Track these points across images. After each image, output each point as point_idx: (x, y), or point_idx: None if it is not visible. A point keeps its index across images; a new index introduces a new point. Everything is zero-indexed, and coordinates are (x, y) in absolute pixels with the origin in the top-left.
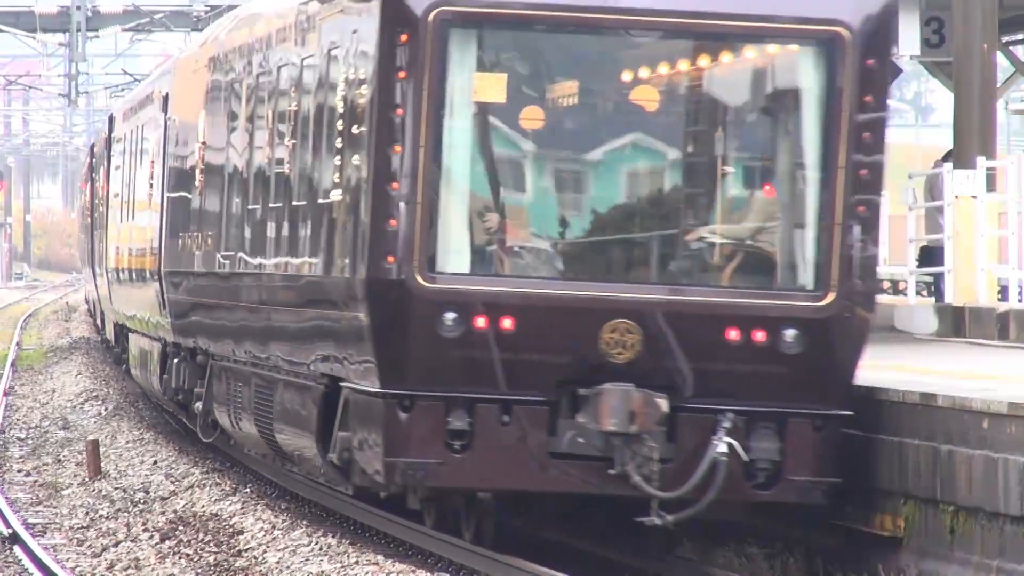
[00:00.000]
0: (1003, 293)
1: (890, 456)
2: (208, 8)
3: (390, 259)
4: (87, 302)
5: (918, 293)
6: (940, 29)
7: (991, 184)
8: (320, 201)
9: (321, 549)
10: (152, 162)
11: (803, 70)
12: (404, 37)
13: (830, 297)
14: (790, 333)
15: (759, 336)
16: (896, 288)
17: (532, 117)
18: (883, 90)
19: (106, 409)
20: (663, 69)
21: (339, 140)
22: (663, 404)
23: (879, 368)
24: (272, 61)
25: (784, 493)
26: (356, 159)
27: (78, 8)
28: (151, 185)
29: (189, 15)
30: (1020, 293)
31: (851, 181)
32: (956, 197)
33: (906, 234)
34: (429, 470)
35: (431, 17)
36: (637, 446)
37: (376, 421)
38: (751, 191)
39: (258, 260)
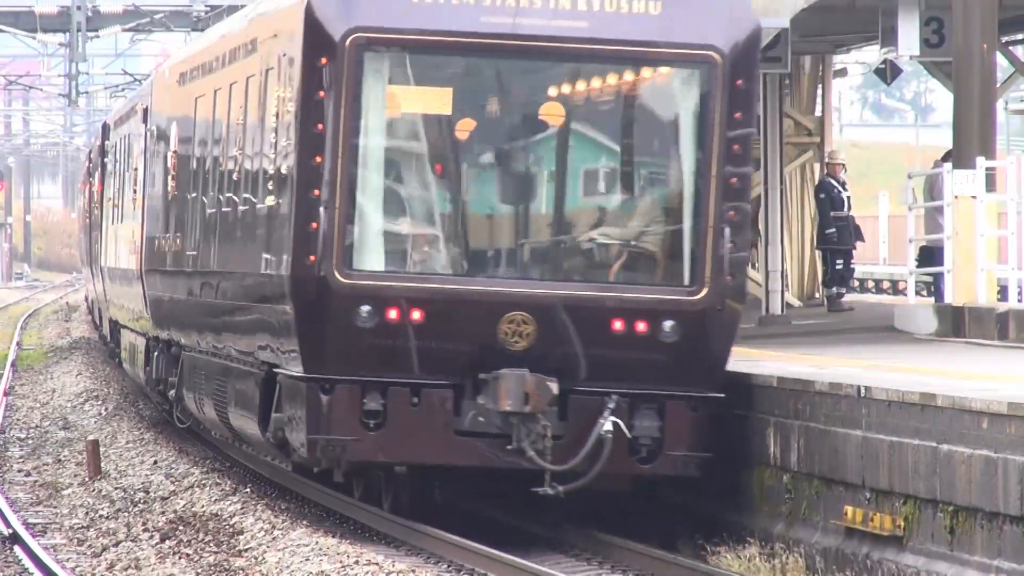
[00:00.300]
0: (1003, 293)
1: (889, 458)
2: (208, 8)
3: (312, 258)
4: (87, 301)
5: (918, 293)
6: (940, 29)
7: (991, 184)
8: (259, 206)
9: (321, 549)
10: (135, 169)
11: (681, 90)
12: (324, 60)
13: (704, 292)
14: (668, 324)
15: (641, 327)
16: (896, 288)
17: (439, 130)
18: (751, 107)
19: (106, 409)
20: (561, 88)
21: (273, 151)
22: (554, 387)
23: (879, 368)
24: (226, 79)
25: (663, 467)
26: (285, 168)
27: (78, 8)
28: (135, 190)
29: (189, 15)
30: (1020, 293)
31: (722, 189)
32: (956, 197)
33: (906, 234)
34: (347, 446)
35: (347, 43)
36: (531, 424)
37: (300, 402)
38: (635, 197)
39: (215, 259)
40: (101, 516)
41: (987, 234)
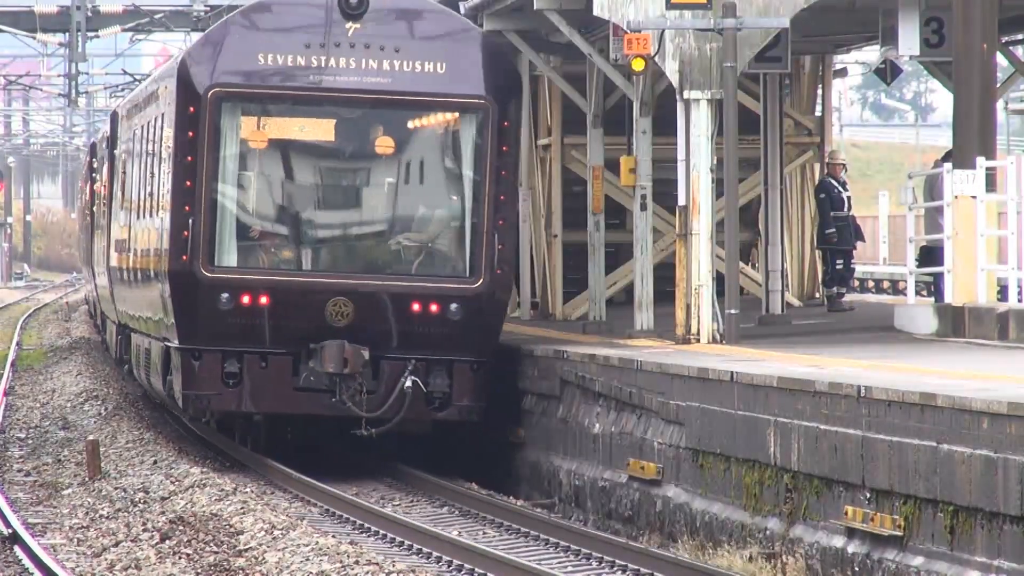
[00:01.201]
0: (1003, 293)
1: (889, 458)
2: (208, 8)
3: (184, 257)
4: (87, 300)
5: (918, 293)
6: (940, 29)
7: (991, 184)
8: (156, 217)
9: (321, 549)
10: (106, 184)
11: (464, 129)
12: (192, 109)
13: (480, 281)
14: (454, 306)
15: (433, 308)
16: (896, 288)
17: (278, 158)
18: (515, 141)
19: (106, 409)
20: (369, 127)
21: (164, 176)
22: (366, 354)
23: (879, 368)
24: (147, 116)
25: (452, 414)
26: (168, 189)
27: (78, 8)
28: (104, 203)
29: (189, 15)
30: (1020, 293)
31: (494, 203)
32: (956, 197)
33: (906, 234)
34: (211, 399)
35: (209, 95)
36: (350, 382)
37: (179, 366)
38: (429, 210)
39: (138, 258)
40: (101, 516)
41: (987, 234)
